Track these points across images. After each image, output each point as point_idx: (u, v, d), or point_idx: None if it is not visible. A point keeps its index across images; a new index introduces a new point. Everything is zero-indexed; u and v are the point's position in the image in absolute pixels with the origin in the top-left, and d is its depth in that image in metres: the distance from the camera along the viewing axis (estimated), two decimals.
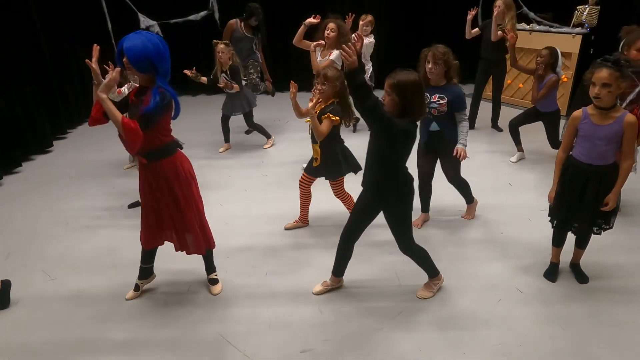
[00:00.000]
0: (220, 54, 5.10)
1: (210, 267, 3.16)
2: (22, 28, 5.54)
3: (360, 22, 5.61)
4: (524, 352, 2.58)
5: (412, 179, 2.72)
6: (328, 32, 4.49)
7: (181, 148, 2.82)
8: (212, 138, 5.92)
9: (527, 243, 3.55)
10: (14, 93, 5.27)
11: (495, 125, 6.20)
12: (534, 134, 5.37)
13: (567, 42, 6.33)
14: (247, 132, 6.25)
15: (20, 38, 5.49)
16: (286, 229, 3.87)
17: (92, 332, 2.79)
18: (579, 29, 6.40)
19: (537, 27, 6.80)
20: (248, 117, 5.60)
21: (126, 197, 4.39)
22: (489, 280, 3.18)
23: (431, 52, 3.35)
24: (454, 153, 3.41)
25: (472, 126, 6.17)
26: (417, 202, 3.76)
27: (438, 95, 3.43)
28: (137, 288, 3.08)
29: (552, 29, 6.64)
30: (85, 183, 4.84)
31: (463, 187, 3.84)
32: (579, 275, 3.15)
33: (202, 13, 7.46)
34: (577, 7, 6.52)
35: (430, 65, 3.36)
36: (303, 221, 3.89)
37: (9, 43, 5.25)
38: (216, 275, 3.17)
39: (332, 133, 3.42)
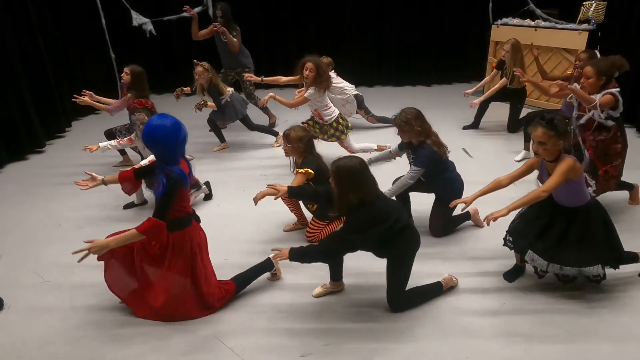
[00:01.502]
0: (197, 77, 5.22)
1: (265, 268, 3.25)
2: (20, 26, 5.57)
3: None
4: (529, 356, 2.61)
5: (406, 229, 2.81)
6: (307, 72, 4.60)
7: (198, 221, 2.91)
8: (209, 138, 5.95)
9: None
10: (9, 92, 5.30)
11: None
12: None
13: (573, 38, 6.38)
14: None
15: (17, 36, 5.52)
16: (285, 231, 3.91)
17: (87, 335, 2.81)
18: (585, 26, 6.44)
19: (543, 24, 6.85)
20: (246, 123, 5.66)
21: (121, 197, 4.38)
22: (492, 283, 3.22)
23: (395, 122, 3.52)
24: None
25: (476, 125, 6.22)
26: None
27: (412, 156, 3.59)
28: None
29: (558, 26, 6.69)
30: None
31: (453, 228, 3.85)
32: None
33: (197, 9, 7.49)
34: (584, 3, 6.57)
35: (399, 133, 3.54)
36: (302, 223, 3.93)
37: (7, 42, 5.28)
38: (274, 270, 3.27)
39: (319, 181, 3.47)
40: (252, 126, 5.67)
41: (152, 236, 2.62)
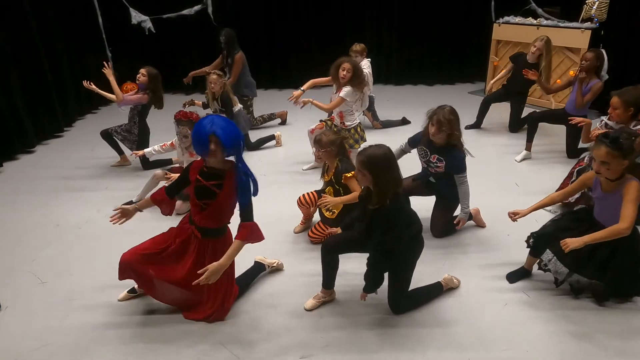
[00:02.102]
0: (212, 85, 5.21)
1: (258, 271, 3.30)
2: (16, 25, 5.55)
3: (351, 53, 5.75)
4: (531, 357, 2.60)
5: (419, 234, 2.81)
6: (344, 72, 4.59)
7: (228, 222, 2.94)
8: None
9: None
10: (3, 90, 5.28)
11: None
12: (546, 135, 5.42)
13: (576, 37, 6.37)
14: None
15: (13, 36, 5.50)
16: (296, 232, 3.89)
17: (85, 338, 2.80)
18: (587, 24, 6.44)
19: (545, 22, 6.84)
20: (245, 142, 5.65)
21: (119, 198, 4.40)
22: (495, 284, 3.21)
23: (437, 116, 3.34)
24: (455, 222, 3.51)
25: (479, 125, 6.20)
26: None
27: (437, 156, 3.49)
28: (133, 291, 3.09)
29: (560, 24, 6.68)
30: (76, 183, 4.86)
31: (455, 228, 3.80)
32: None
33: (196, 7, 7.50)
34: (586, 1, 6.56)
35: (433, 130, 3.38)
36: (305, 220, 3.92)
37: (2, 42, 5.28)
38: (268, 267, 3.35)
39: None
40: (250, 146, 5.65)
41: (255, 239, 2.69)
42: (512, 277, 3.23)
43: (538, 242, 3.08)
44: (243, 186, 2.59)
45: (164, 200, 2.87)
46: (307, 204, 3.76)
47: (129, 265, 2.77)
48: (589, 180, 2.92)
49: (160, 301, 2.96)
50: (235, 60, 5.90)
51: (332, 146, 3.47)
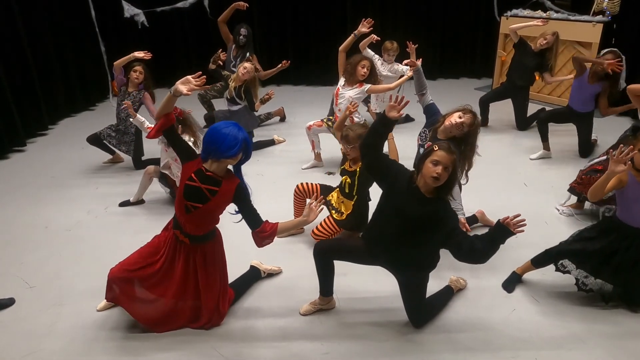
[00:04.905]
0: (244, 71, 5.16)
1: (255, 277, 3.32)
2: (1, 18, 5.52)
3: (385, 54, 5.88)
4: None
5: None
6: (364, 69, 4.71)
7: None
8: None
9: (543, 248, 3.56)
10: None
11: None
12: (554, 133, 5.40)
13: (587, 31, 6.35)
14: None
15: None
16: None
17: (75, 345, 2.79)
18: (599, 17, 6.42)
19: (555, 15, 6.81)
20: None
21: (108, 200, 4.41)
22: (502, 289, 3.20)
23: (473, 114, 3.31)
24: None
25: (484, 123, 6.18)
26: None
27: (432, 145, 3.42)
28: None
29: (571, 17, 6.65)
30: (66, 183, 4.85)
31: None
32: None
33: (191, 0, 7.48)
34: None
35: (462, 119, 3.28)
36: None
37: None
38: (264, 273, 3.35)
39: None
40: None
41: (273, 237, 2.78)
42: (509, 286, 3.20)
43: (570, 263, 3.03)
44: (245, 195, 2.66)
45: (170, 119, 2.62)
46: (302, 192, 3.80)
47: (117, 281, 2.74)
48: (625, 177, 2.75)
49: (139, 321, 2.86)
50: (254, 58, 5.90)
51: (360, 140, 3.39)
